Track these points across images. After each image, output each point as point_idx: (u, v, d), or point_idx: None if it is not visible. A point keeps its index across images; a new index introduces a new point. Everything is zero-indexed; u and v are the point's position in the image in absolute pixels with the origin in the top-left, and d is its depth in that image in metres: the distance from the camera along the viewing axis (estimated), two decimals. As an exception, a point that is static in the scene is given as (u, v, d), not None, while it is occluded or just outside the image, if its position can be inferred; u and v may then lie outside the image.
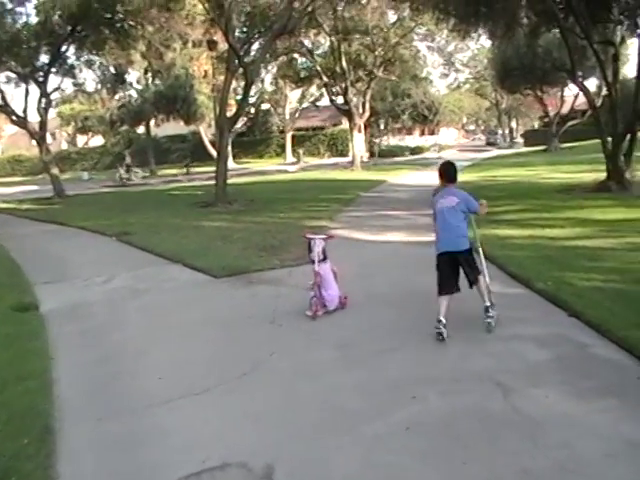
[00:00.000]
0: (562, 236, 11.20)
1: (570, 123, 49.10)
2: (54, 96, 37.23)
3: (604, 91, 28.03)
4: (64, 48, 29.39)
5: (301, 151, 57.47)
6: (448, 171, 6.98)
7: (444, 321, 6.34)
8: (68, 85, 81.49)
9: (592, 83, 44.37)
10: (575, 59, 21.58)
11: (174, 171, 50.95)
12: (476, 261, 6.81)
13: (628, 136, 17.55)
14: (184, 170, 47.80)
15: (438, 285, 6.72)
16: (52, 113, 54.29)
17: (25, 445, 4.50)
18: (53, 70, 30.31)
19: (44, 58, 29.79)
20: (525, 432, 4.37)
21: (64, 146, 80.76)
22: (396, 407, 4.90)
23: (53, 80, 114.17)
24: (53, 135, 72.86)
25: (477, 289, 6.70)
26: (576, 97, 46.66)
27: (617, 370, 5.37)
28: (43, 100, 29.90)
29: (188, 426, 4.87)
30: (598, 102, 29.81)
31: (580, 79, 25.45)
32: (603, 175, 18.00)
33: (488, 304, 6.58)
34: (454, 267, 6.70)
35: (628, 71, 40.33)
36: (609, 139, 18.01)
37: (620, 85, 19.54)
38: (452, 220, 6.66)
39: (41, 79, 29.35)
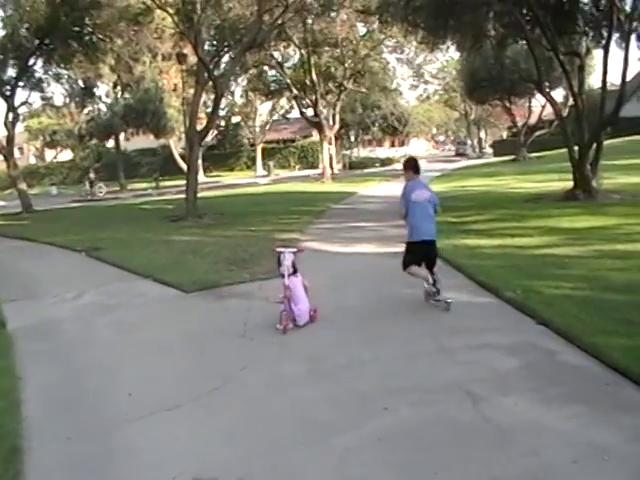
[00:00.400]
0: (531, 245, 11.32)
1: (538, 133, 49.74)
2: (22, 110, 36.81)
3: (570, 101, 28.50)
4: (32, 61, 29.10)
5: (272, 163, 57.47)
6: (416, 164, 8.53)
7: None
8: (36, 99, 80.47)
9: (559, 93, 45.15)
10: (542, 70, 21.93)
11: (144, 185, 50.59)
12: None
13: (594, 145, 17.81)
14: (153, 184, 47.48)
15: (406, 262, 7.94)
16: (20, 127, 53.83)
17: (-8, 466, 4.43)
18: (20, 84, 30.02)
19: (11, 72, 29.55)
20: (495, 441, 4.40)
21: (32, 160, 79.88)
22: (367, 419, 4.91)
23: (20, 94, 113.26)
24: (21, 149, 71.98)
25: (434, 274, 7.73)
26: (543, 107, 47.19)
27: (585, 377, 5.44)
28: (10, 114, 29.55)
29: (159, 443, 4.83)
30: (565, 112, 30.36)
31: (547, 90, 25.78)
32: (570, 184, 18.23)
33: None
34: (424, 255, 7.81)
35: (594, 81, 41.13)
36: (576, 148, 18.26)
37: (586, 95, 19.83)
38: (430, 211, 7.81)
39: (8, 93, 29.01)
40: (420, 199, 7.82)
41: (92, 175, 45.62)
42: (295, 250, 7.81)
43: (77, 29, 26.86)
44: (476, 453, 4.28)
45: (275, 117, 65.14)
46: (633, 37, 17.31)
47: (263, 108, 63.33)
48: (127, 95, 50.25)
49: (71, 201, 39.97)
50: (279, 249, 7.71)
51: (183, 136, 46.94)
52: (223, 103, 52.27)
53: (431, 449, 4.39)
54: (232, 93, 56.71)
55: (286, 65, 44.53)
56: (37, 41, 27.39)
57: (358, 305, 8.40)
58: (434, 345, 6.45)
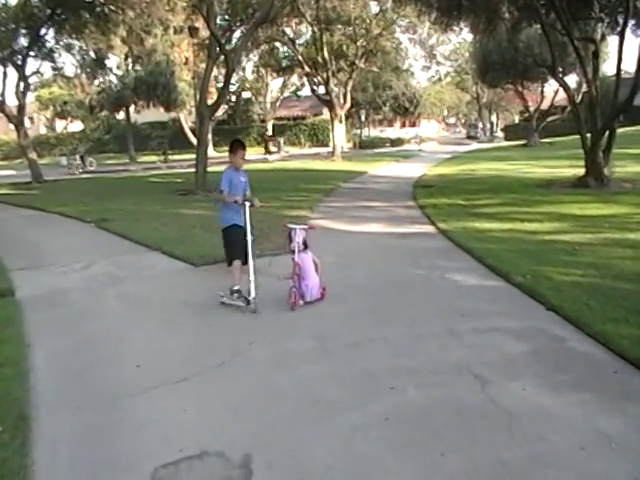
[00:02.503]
0: (541, 230, 11.28)
1: (550, 118, 49.36)
2: (33, 80, 36.87)
3: (584, 87, 28.31)
4: (43, 31, 29.05)
5: (282, 140, 57.26)
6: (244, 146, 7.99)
7: None
8: (47, 69, 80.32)
9: (572, 79, 44.75)
10: (556, 55, 21.68)
11: (153, 158, 50.52)
12: None
13: (607, 133, 17.69)
14: (162, 158, 47.38)
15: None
16: (30, 97, 53.70)
17: (0, 433, 4.45)
18: (32, 53, 29.99)
19: (23, 41, 29.47)
20: (502, 424, 4.40)
21: (42, 131, 79.78)
22: (374, 398, 4.91)
23: (32, 64, 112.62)
24: (31, 119, 71.91)
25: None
26: (556, 93, 46.81)
27: (593, 364, 5.42)
28: (21, 84, 29.56)
29: (166, 415, 4.84)
30: (578, 98, 30.08)
31: (560, 75, 25.48)
32: (582, 171, 18.13)
33: None
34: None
35: (608, 68, 40.76)
36: (588, 135, 18.13)
37: (600, 82, 19.64)
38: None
39: (19, 62, 28.98)
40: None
41: (82, 149, 45.47)
42: (306, 227, 7.80)
43: (89, 0, 26.68)
44: (483, 436, 4.27)
45: (286, 94, 64.90)
46: (649, 25, 17.12)
47: (274, 84, 63.17)
48: (138, 67, 50.08)
49: (82, 172, 39.90)
50: (290, 225, 7.70)
51: (193, 110, 46.90)
52: (234, 78, 52.00)
53: (438, 430, 4.38)
54: (243, 68, 56.53)
55: (298, 42, 44.30)
56: (49, 11, 27.26)
57: (367, 284, 8.40)
58: (443, 327, 6.44)
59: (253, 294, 7.27)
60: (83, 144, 50.63)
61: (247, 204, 7.60)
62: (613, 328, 5.95)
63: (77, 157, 43.40)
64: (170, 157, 47.86)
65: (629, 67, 32.00)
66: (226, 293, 7.61)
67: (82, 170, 40.59)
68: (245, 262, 7.59)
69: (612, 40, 28.55)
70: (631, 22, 17.92)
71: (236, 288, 7.52)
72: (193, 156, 23.63)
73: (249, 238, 7.57)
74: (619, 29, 18.17)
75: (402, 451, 4.15)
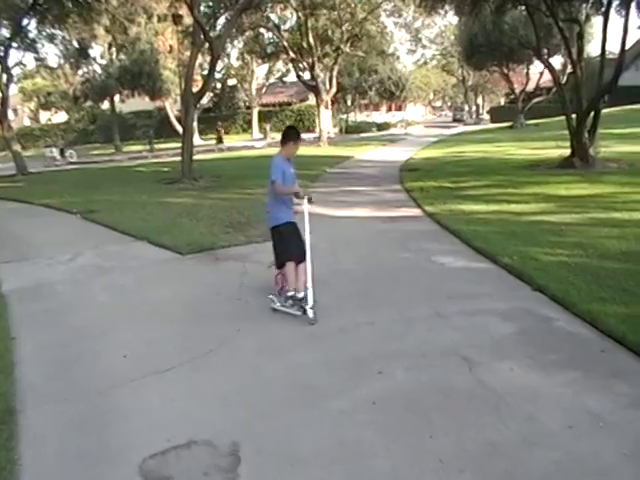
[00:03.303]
0: (528, 211, 11.30)
1: (535, 100, 49.34)
2: (15, 71, 36.47)
3: (569, 69, 28.28)
4: (25, 22, 28.64)
5: (268, 127, 57.01)
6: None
7: None
8: (30, 60, 79.86)
9: (557, 61, 44.68)
10: (541, 37, 21.72)
11: (139, 147, 50.28)
12: None
13: (592, 113, 17.70)
14: (147, 147, 47.08)
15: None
16: (14, 89, 53.23)
17: (-14, 427, 4.42)
18: (14, 44, 29.60)
19: (4, 32, 29.12)
20: (490, 405, 4.41)
21: (26, 122, 79.15)
22: (362, 382, 4.91)
23: (14, 55, 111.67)
24: (15, 111, 71.35)
25: None
26: (541, 74, 46.83)
27: (580, 343, 5.45)
28: (4, 75, 29.21)
29: (153, 405, 4.83)
30: (563, 79, 30.16)
31: (545, 56, 25.50)
32: (568, 151, 18.16)
33: None
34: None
35: (592, 49, 40.75)
36: (573, 116, 18.15)
37: (584, 63, 19.63)
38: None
39: (1, 54, 28.62)
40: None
41: (62, 141, 44.90)
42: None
43: (71, -12, 26.38)
44: (471, 418, 4.28)
45: (271, 80, 64.51)
46: (633, 5, 17.02)
47: (259, 71, 62.66)
48: (122, 56, 49.56)
49: (68, 163, 39.53)
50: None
51: (179, 98, 46.64)
52: (219, 65, 51.81)
53: (426, 413, 4.39)
54: (228, 55, 56.02)
55: (283, 27, 43.98)
56: (31, 1, 26.92)
57: (354, 269, 8.39)
58: (430, 310, 6.44)
59: (311, 302, 6.45)
60: (64, 137, 49.75)
61: (306, 198, 6.96)
62: (600, 307, 5.97)
63: (53, 150, 42.67)
64: (156, 146, 47.55)
65: (614, 48, 32.14)
66: (279, 299, 6.90)
67: (60, 163, 39.94)
68: (300, 262, 6.84)
69: (596, 21, 28.47)
70: (615, 2, 17.87)
71: (291, 294, 6.78)
72: (179, 144, 23.47)
73: (307, 237, 6.85)
74: (603, 9, 18.18)
75: (391, 435, 4.16)
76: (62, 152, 41.66)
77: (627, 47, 17.33)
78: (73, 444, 4.34)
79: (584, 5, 19.92)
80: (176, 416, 4.61)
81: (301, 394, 4.83)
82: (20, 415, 4.69)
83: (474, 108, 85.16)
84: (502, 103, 78.79)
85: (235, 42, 47.68)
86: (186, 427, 4.41)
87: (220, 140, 47.40)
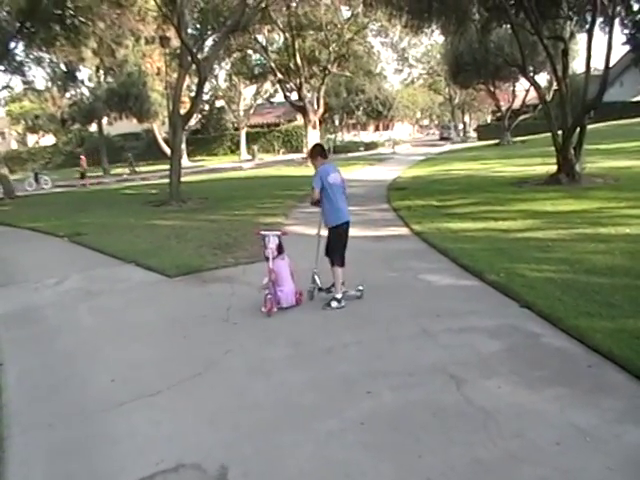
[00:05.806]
0: (514, 228, 11.36)
1: (522, 117, 49.78)
2: (3, 94, 36.48)
3: (554, 86, 28.53)
4: (12, 45, 28.70)
5: (256, 148, 57.18)
6: (324, 149, 8.47)
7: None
8: (17, 83, 79.90)
9: (543, 78, 45.26)
10: (526, 54, 21.93)
11: (120, 170, 50.25)
12: None
13: (577, 129, 17.85)
14: (128, 170, 46.91)
15: (340, 257, 7.66)
16: (1, 112, 53.26)
17: (-28, 454, 4.39)
18: (1, 68, 29.65)
19: (-8, 55, 29.12)
20: (478, 423, 4.41)
21: (14, 146, 79.02)
22: (351, 402, 4.90)
23: (1, 78, 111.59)
24: (2, 134, 71.47)
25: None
26: (527, 91, 47.24)
27: (567, 359, 5.46)
28: (-9, 99, 29.23)
29: (142, 429, 4.80)
30: (549, 96, 30.47)
31: (531, 74, 25.83)
32: (554, 168, 18.28)
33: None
34: (346, 237, 7.87)
35: (577, 66, 41.21)
36: (559, 132, 18.29)
37: (570, 80, 19.83)
38: (344, 194, 8.02)
39: (-12, 77, 28.67)
40: (336, 181, 7.90)
41: (36, 167, 44.37)
42: (279, 233, 7.78)
43: (59, 12, 26.34)
44: (459, 436, 4.28)
45: (259, 101, 64.79)
46: (616, 22, 17.27)
47: (247, 92, 62.92)
48: (110, 79, 49.71)
49: (55, 186, 39.19)
50: (263, 232, 7.68)
51: (167, 120, 46.59)
52: (207, 87, 52.04)
53: (414, 432, 4.38)
54: (216, 77, 56.46)
55: (270, 49, 44.18)
56: (18, 24, 26.97)
57: (342, 289, 8.38)
58: (417, 328, 6.45)
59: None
60: (50, 160, 49.20)
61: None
62: (586, 322, 6.00)
63: (31, 176, 41.57)
64: (138, 169, 47.35)
65: (598, 64, 32.47)
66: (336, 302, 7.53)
67: (34, 188, 38.74)
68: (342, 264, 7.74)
69: (581, 38, 28.87)
70: (599, 20, 18.09)
71: (339, 296, 7.56)
72: (167, 166, 23.50)
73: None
74: (587, 27, 18.38)
75: (379, 454, 4.15)
76: (37, 177, 40.03)
77: (611, 63, 17.52)
78: (61, 469, 4.31)
79: (568, 23, 20.21)
80: (165, 440, 4.58)
81: (290, 415, 4.82)
82: (7, 441, 4.65)
83: (461, 126, 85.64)
84: (489, 121, 79.48)
85: (222, 63, 48.05)
86: (175, 450, 4.38)
87: (82, 175, 45.03)
